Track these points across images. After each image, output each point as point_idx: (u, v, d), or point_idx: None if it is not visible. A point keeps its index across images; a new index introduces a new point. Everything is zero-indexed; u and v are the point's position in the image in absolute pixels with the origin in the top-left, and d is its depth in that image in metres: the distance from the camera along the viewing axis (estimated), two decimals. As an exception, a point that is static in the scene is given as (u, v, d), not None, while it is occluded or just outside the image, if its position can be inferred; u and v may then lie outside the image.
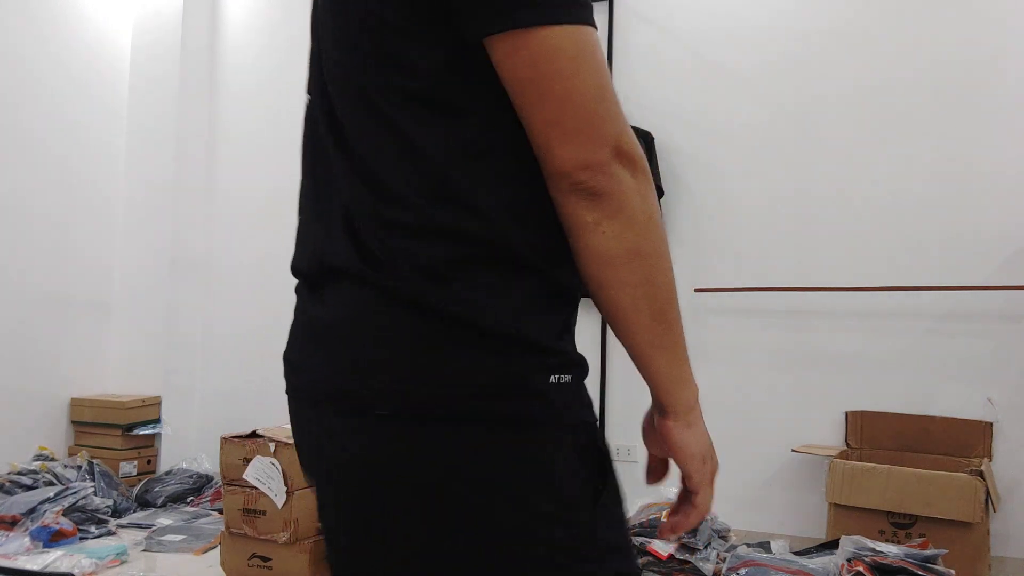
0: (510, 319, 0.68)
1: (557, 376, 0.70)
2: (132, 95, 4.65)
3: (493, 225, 0.68)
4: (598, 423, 0.77)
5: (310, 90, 0.82)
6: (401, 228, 0.68)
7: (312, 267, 0.76)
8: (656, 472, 0.87)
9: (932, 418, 3.03)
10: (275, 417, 3.81)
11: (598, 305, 0.72)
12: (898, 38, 3.21)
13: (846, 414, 3.18)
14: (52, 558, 2.85)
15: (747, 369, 3.38)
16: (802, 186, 3.34)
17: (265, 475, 2.70)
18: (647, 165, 0.70)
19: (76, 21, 4.37)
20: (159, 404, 4.34)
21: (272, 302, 4.27)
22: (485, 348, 0.67)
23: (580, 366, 0.74)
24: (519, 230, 0.69)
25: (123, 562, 2.98)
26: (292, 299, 0.84)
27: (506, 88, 0.67)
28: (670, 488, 3.16)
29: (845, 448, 3.11)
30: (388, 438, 0.67)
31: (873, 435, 3.11)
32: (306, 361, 0.75)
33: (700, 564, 2.57)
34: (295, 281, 0.83)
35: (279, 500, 2.66)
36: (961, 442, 2.97)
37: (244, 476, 2.71)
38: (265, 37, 4.42)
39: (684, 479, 0.80)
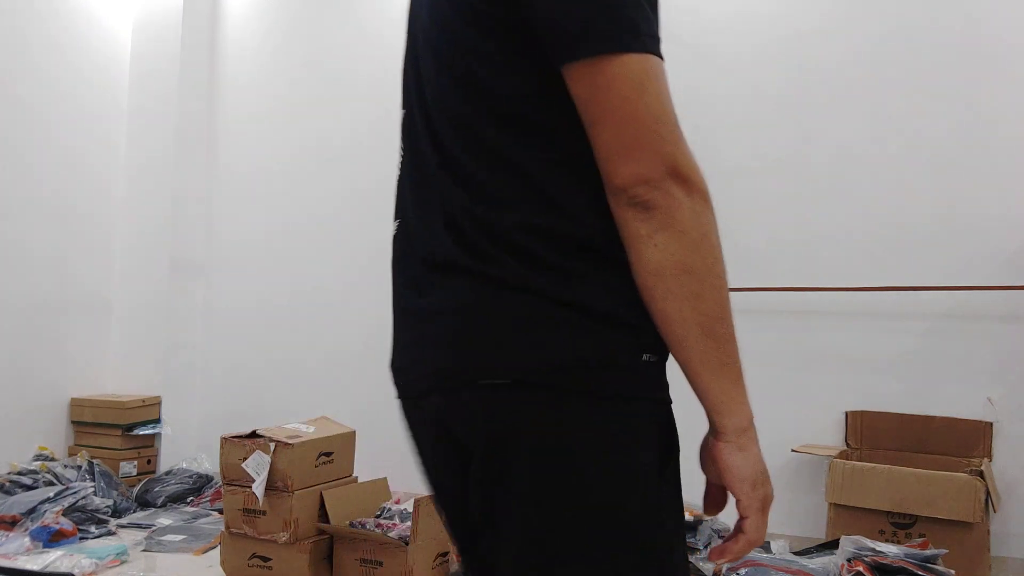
0: (605, 300, 0.76)
1: (648, 355, 0.78)
2: (132, 94, 4.65)
3: (581, 222, 0.77)
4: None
5: (406, 106, 0.93)
6: (506, 228, 0.78)
7: (420, 265, 0.85)
8: (714, 500, 0.87)
9: (932, 418, 3.03)
10: (275, 417, 3.81)
11: (652, 317, 0.77)
12: (899, 37, 3.21)
13: (846, 414, 3.18)
14: (52, 558, 2.85)
15: (747, 369, 3.36)
16: (802, 185, 3.34)
17: (259, 467, 2.70)
18: (705, 187, 0.77)
19: (77, 18, 4.37)
20: (159, 404, 4.34)
21: (272, 302, 4.27)
22: (584, 326, 0.76)
23: (665, 347, 0.80)
24: (602, 226, 0.77)
25: (123, 562, 2.98)
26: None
27: (578, 109, 0.76)
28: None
29: (845, 448, 3.11)
30: (506, 404, 0.76)
31: (873, 435, 3.11)
32: (421, 354, 0.84)
33: (700, 564, 2.57)
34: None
35: (258, 493, 2.68)
36: (961, 442, 2.97)
37: (243, 465, 2.72)
38: (264, 34, 4.42)
39: (736, 504, 0.81)
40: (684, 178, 0.76)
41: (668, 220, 0.74)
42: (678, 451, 0.83)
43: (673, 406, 0.86)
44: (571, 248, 0.77)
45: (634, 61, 0.73)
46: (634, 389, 0.77)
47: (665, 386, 0.81)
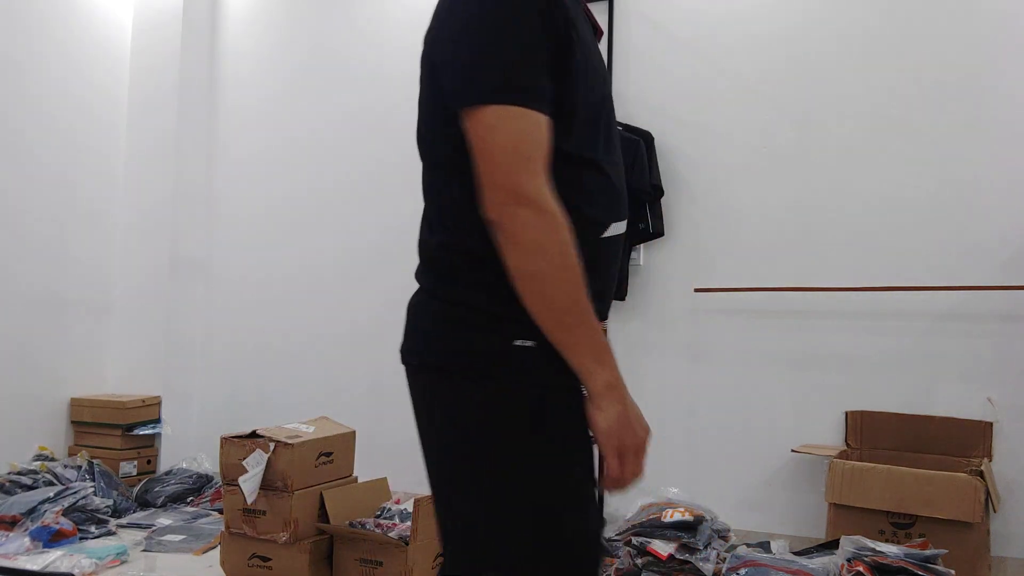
0: (485, 300, 1.01)
1: (520, 341, 0.99)
2: (132, 96, 4.65)
3: (476, 239, 1.00)
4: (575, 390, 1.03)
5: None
6: (432, 247, 1.08)
7: None
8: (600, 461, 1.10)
9: (932, 418, 3.03)
10: (275, 417, 3.81)
11: None
12: (898, 38, 3.21)
13: (846, 414, 3.18)
14: (52, 558, 2.85)
15: (747, 369, 3.38)
16: (802, 186, 3.34)
17: (257, 464, 2.71)
18: (551, 207, 0.95)
19: (76, 18, 4.36)
20: (159, 404, 4.34)
21: (272, 302, 4.27)
22: (470, 321, 1.01)
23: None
24: (489, 241, 0.99)
25: (123, 562, 2.98)
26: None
27: None
28: (670, 488, 3.16)
29: (845, 448, 3.11)
30: (424, 380, 1.06)
31: (873, 435, 3.11)
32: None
33: (700, 564, 2.57)
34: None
35: (245, 490, 2.68)
36: (961, 442, 2.97)
37: (243, 461, 2.72)
38: (265, 37, 4.42)
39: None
40: (528, 202, 0.94)
41: (513, 236, 0.94)
42: (566, 422, 1.02)
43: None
44: (468, 260, 1.02)
45: (491, 111, 0.94)
46: (503, 370, 0.99)
47: (541, 367, 0.99)
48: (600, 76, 1.08)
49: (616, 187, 1.10)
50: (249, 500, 2.69)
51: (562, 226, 0.95)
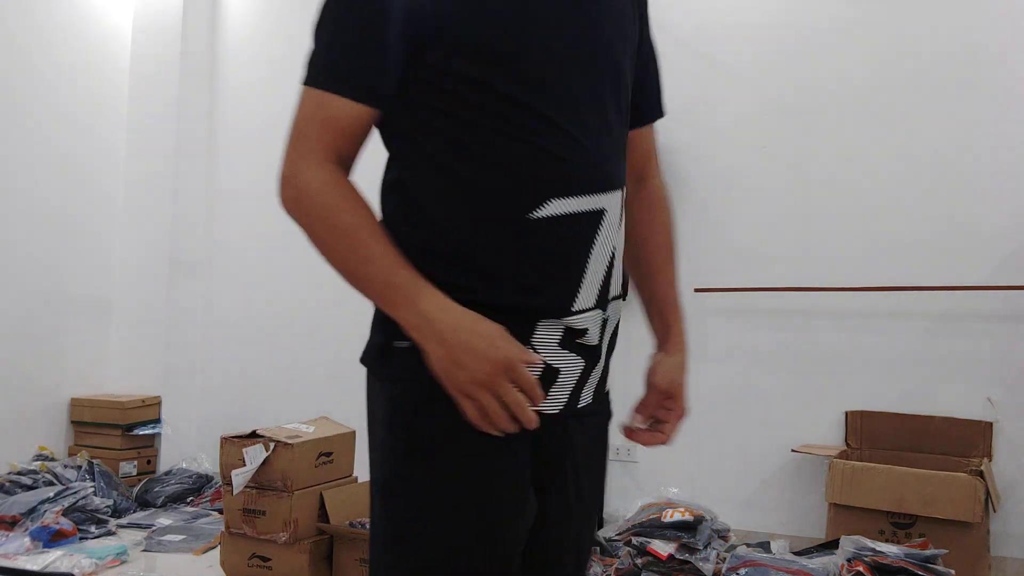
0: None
1: (398, 342, 0.97)
2: (132, 93, 4.65)
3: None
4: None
5: None
6: None
7: None
8: None
9: (932, 418, 3.03)
10: (275, 417, 3.81)
11: None
12: (897, 35, 3.21)
13: (846, 414, 3.18)
14: (52, 558, 2.85)
15: (747, 369, 3.38)
16: (802, 185, 3.34)
17: (256, 458, 2.71)
18: (307, 185, 0.95)
19: (76, 19, 4.37)
20: (159, 404, 4.34)
21: (272, 302, 4.27)
22: (375, 324, 1.04)
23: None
24: None
25: (123, 562, 2.98)
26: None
27: None
28: (670, 488, 3.16)
29: (845, 448, 3.11)
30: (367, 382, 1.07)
31: (873, 435, 3.11)
32: None
33: (700, 564, 2.57)
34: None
35: (237, 483, 2.68)
36: (961, 442, 2.97)
37: (244, 450, 2.72)
38: (265, 34, 4.42)
39: None
40: (284, 180, 0.97)
41: (289, 210, 0.98)
42: (451, 425, 0.94)
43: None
44: None
45: (303, 90, 0.97)
46: (388, 371, 1.00)
47: (416, 367, 0.94)
48: (528, 21, 0.94)
49: (557, 155, 0.94)
50: (235, 491, 2.69)
51: (313, 195, 0.94)
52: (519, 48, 0.94)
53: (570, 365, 0.99)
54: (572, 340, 0.97)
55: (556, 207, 0.94)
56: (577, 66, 0.97)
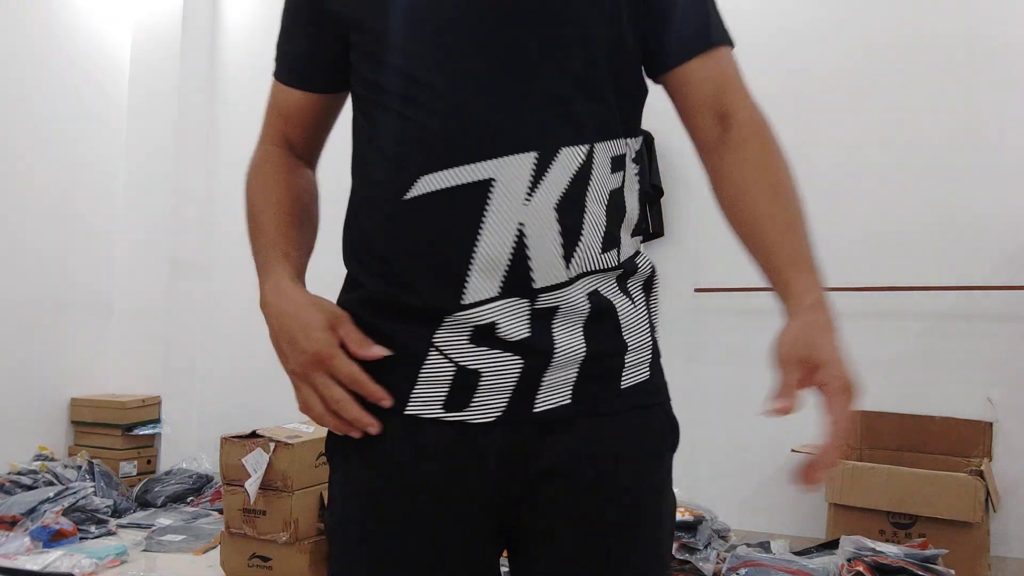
0: None
1: None
2: (132, 93, 4.65)
3: None
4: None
5: None
6: None
7: None
8: None
9: (932, 418, 3.03)
10: (275, 417, 3.81)
11: None
12: (897, 30, 3.21)
13: (846, 414, 3.18)
14: (52, 558, 2.84)
15: (747, 369, 3.38)
16: (801, 185, 3.34)
17: (259, 465, 2.71)
18: (250, 166, 0.98)
19: (78, 18, 4.36)
20: (159, 404, 4.34)
21: (272, 302, 4.27)
22: None
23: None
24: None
25: (123, 562, 2.98)
26: None
27: None
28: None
29: (845, 448, 3.11)
30: None
31: (873, 435, 3.11)
32: None
33: (700, 564, 2.56)
34: None
35: (251, 491, 2.68)
36: (961, 442, 2.97)
37: (243, 460, 2.72)
38: (265, 32, 4.42)
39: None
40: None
41: None
42: (345, 450, 0.89)
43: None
44: None
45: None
46: None
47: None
48: None
49: (422, 121, 0.81)
50: (252, 500, 2.70)
51: (247, 172, 0.98)
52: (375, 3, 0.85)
53: (494, 365, 0.82)
54: (491, 336, 0.81)
55: (426, 184, 0.81)
56: (455, 9, 0.81)
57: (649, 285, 0.96)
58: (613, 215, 0.86)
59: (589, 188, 0.83)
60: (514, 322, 0.81)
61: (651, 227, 3.40)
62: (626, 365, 0.87)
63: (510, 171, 0.80)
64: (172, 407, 4.34)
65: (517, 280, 0.81)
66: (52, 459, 4.02)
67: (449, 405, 0.82)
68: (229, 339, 4.38)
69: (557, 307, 0.82)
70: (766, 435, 3.32)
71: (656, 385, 0.90)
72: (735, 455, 3.36)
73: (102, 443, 4.16)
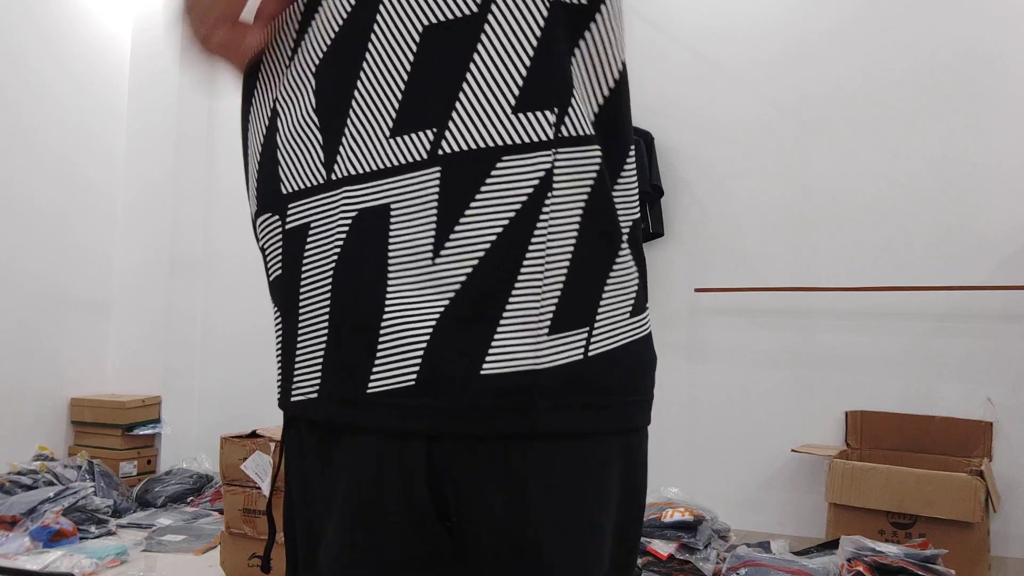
0: None
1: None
2: (132, 94, 4.65)
3: None
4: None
5: None
6: None
7: None
8: None
9: (932, 418, 3.03)
10: (275, 417, 3.81)
11: None
12: (897, 35, 3.21)
13: (846, 414, 3.18)
14: (52, 558, 2.84)
15: (747, 369, 3.38)
16: (802, 186, 3.34)
17: (262, 470, 2.71)
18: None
19: (76, 20, 4.36)
20: (159, 404, 4.34)
21: (272, 301, 4.27)
22: None
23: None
24: None
25: (123, 562, 2.98)
26: None
27: None
28: (670, 488, 3.16)
29: (845, 448, 3.11)
30: None
31: (873, 435, 3.11)
32: None
33: (700, 564, 2.57)
34: None
35: (266, 490, 2.68)
36: (961, 442, 2.97)
37: (242, 467, 2.72)
38: (265, 37, 4.42)
39: None
40: None
41: None
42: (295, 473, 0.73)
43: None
44: None
45: None
46: None
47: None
48: None
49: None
50: (266, 493, 2.71)
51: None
52: None
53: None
54: None
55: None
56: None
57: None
58: (422, 67, 0.58)
59: (374, 32, 0.59)
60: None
61: (651, 227, 3.40)
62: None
63: (277, 27, 0.64)
64: (172, 407, 4.34)
65: (269, 184, 0.69)
66: (52, 459, 4.02)
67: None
68: (229, 339, 4.38)
69: (307, 226, 0.65)
70: (766, 435, 3.32)
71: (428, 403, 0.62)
72: (735, 455, 3.36)
73: (102, 443, 4.16)
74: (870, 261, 3.21)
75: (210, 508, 3.77)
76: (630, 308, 0.61)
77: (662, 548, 2.62)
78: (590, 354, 0.57)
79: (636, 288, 0.62)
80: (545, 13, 0.56)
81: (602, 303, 0.59)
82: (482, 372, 0.54)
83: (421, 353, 0.55)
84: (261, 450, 2.73)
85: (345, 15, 0.59)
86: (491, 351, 0.55)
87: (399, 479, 0.56)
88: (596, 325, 0.58)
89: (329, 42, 0.60)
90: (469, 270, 0.55)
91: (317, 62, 0.59)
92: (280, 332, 0.67)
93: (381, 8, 0.57)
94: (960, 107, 3.11)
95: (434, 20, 0.54)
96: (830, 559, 2.53)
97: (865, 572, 2.31)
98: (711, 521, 2.79)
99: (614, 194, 0.60)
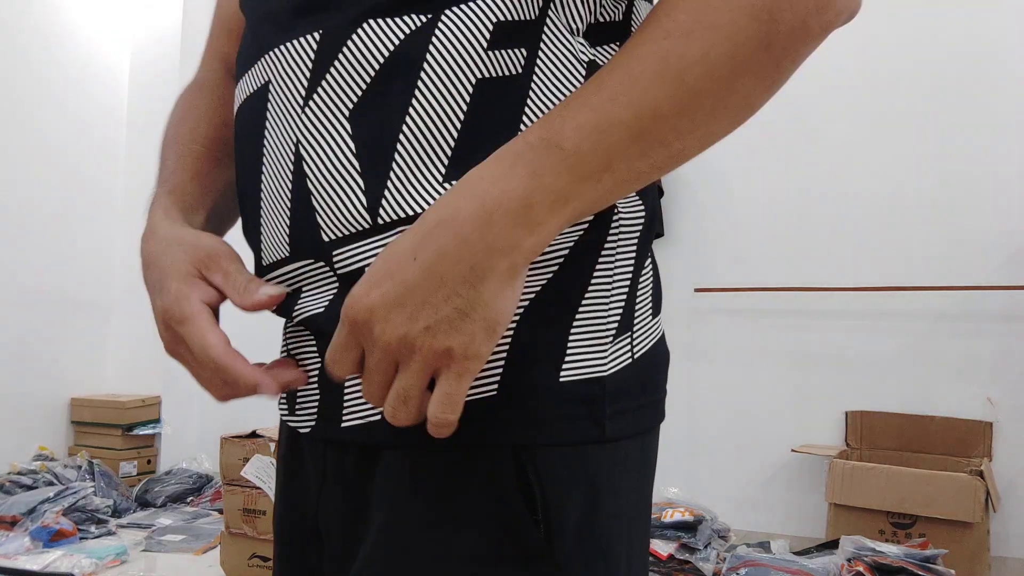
0: None
1: None
2: (132, 94, 4.65)
3: None
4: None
5: None
6: None
7: None
8: None
9: (932, 418, 3.03)
10: (275, 417, 3.81)
11: None
12: (898, 36, 3.21)
13: (846, 414, 3.18)
14: (52, 558, 2.84)
15: (747, 369, 3.38)
16: (802, 186, 3.34)
17: (264, 473, 2.70)
18: None
19: (78, 21, 4.37)
20: (159, 404, 4.33)
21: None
22: None
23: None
24: None
25: (123, 562, 2.98)
26: None
27: None
28: (670, 488, 3.16)
29: (845, 448, 3.11)
30: None
31: (873, 435, 3.11)
32: None
33: (700, 564, 2.56)
34: None
35: (271, 494, 2.68)
36: (961, 442, 2.97)
37: (242, 472, 2.72)
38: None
39: None
40: None
41: None
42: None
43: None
44: None
45: None
46: None
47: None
48: None
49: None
50: (272, 497, 2.71)
51: (172, 108, 0.75)
52: None
53: (306, 353, 0.65)
54: (291, 309, 0.64)
55: (239, 92, 0.63)
56: None
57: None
58: (477, 118, 0.53)
59: (421, 79, 0.53)
60: (314, 292, 0.61)
61: (651, 227, 3.40)
62: None
63: (283, 67, 0.57)
64: (172, 407, 4.34)
65: (304, 234, 0.58)
66: (52, 459, 4.02)
67: (288, 406, 0.66)
68: (229, 338, 4.38)
69: (363, 271, 0.55)
70: (766, 435, 3.32)
71: (515, 414, 0.53)
72: (735, 455, 3.36)
73: (102, 443, 4.16)
74: (870, 261, 3.21)
75: (210, 508, 3.77)
76: (651, 307, 0.64)
77: (662, 548, 2.62)
78: (636, 356, 0.59)
79: (653, 285, 0.65)
80: (583, 72, 0.56)
81: (637, 304, 0.60)
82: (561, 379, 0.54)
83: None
84: (260, 451, 2.73)
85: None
86: (567, 358, 0.55)
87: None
88: (635, 327, 0.60)
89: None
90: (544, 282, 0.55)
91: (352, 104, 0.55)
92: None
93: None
94: (960, 107, 3.11)
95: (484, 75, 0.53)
96: (830, 559, 2.53)
97: (865, 572, 2.31)
98: (711, 521, 2.79)
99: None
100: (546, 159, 0.46)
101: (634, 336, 0.59)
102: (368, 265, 0.54)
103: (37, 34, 4.17)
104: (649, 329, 0.62)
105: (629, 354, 0.58)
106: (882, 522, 2.70)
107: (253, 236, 0.63)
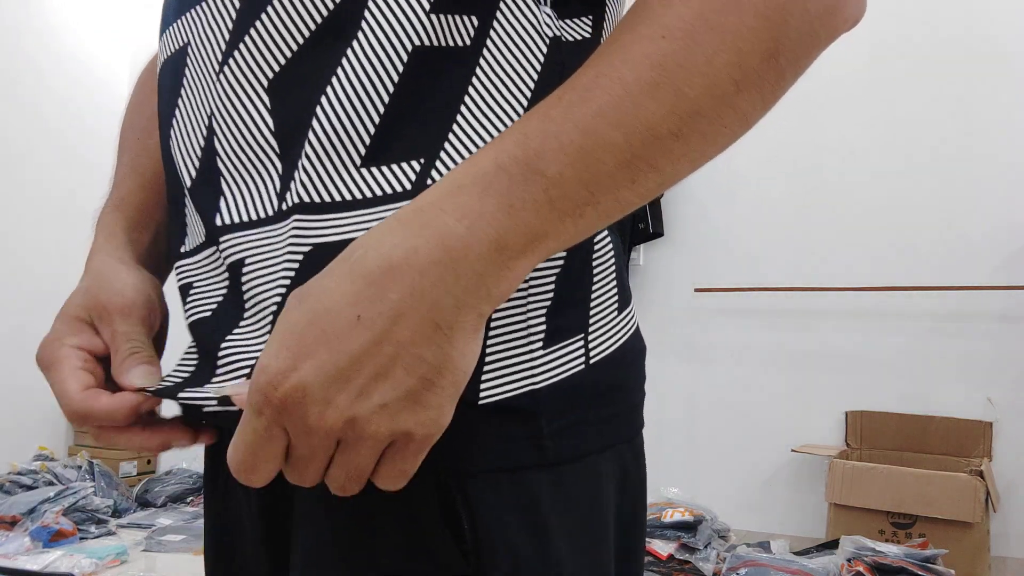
0: None
1: None
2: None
3: None
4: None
5: None
6: None
7: None
8: None
9: (932, 418, 3.03)
10: (275, 417, 3.81)
11: None
12: (898, 34, 3.21)
13: (846, 414, 3.18)
14: (52, 558, 2.84)
15: (747, 369, 3.38)
16: (802, 185, 3.34)
17: None
18: None
19: (83, 11, 4.37)
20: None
21: (272, 302, 4.27)
22: None
23: None
24: None
25: (123, 562, 2.98)
26: None
27: None
28: (670, 488, 3.16)
29: (845, 448, 3.11)
30: None
31: (873, 435, 3.11)
32: None
33: (700, 564, 2.56)
34: None
35: None
36: (961, 442, 2.97)
37: None
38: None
39: None
40: None
41: None
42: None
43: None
44: None
45: None
46: None
47: None
48: None
49: None
50: None
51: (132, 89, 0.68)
52: None
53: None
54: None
55: (159, 57, 0.57)
56: None
57: None
58: (407, 95, 0.46)
59: (352, 46, 0.46)
60: (207, 286, 0.55)
61: (651, 227, 3.40)
62: None
63: (203, 25, 0.50)
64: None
65: (207, 211, 0.52)
66: (52, 459, 4.02)
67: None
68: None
69: (243, 260, 0.50)
70: (766, 435, 3.32)
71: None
72: (735, 455, 3.36)
73: (102, 443, 4.16)
74: (870, 261, 3.21)
75: (210, 508, 3.77)
76: (615, 302, 0.54)
77: (662, 548, 2.62)
78: (593, 359, 0.51)
79: (617, 276, 0.55)
80: (544, 51, 0.49)
81: (593, 301, 0.52)
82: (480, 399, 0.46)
83: None
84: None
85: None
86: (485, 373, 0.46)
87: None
88: (591, 327, 0.51)
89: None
90: None
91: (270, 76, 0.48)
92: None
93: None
94: (961, 108, 3.11)
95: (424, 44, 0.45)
96: (830, 559, 2.53)
97: (865, 572, 2.31)
98: (711, 521, 2.79)
99: None
100: (524, 189, 0.38)
101: (589, 337, 0.51)
102: (251, 253, 0.48)
103: (38, 36, 4.17)
104: (614, 327, 0.53)
105: (582, 359, 0.50)
106: (882, 522, 2.70)
107: (176, 218, 0.57)
